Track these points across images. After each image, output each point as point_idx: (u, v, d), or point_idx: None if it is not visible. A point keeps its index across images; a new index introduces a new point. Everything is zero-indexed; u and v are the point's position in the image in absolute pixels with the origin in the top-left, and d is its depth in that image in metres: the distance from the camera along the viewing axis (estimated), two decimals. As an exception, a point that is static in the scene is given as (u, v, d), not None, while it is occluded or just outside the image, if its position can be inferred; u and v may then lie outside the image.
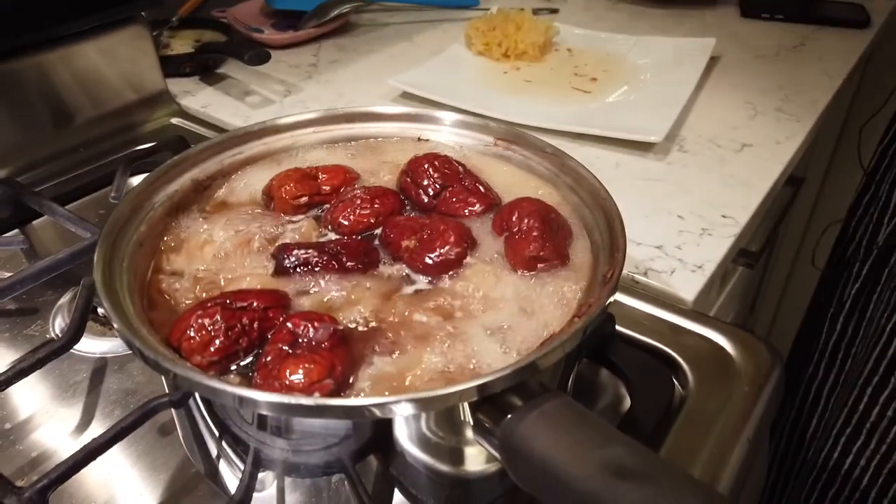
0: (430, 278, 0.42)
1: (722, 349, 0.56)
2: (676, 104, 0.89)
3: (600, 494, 0.28)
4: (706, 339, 0.57)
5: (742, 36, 1.16)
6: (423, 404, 0.32)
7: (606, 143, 0.85)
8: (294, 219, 0.49)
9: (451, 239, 0.43)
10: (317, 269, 0.42)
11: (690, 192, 0.76)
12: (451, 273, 0.42)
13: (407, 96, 0.96)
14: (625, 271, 0.65)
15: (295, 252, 0.43)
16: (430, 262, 0.42)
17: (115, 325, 0.34)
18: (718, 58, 1.07)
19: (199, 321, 0.37)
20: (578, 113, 0.91)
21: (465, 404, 0.34)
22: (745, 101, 0.96)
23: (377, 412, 0.32)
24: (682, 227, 0.70)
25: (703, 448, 0.49)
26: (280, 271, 0.43)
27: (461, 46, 1.09)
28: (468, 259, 0.43)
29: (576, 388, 0.56)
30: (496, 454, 0.34)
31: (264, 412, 0.34)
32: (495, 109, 0.88)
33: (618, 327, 0.58)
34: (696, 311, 0.60)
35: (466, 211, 0.47)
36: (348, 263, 0.43)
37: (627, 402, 0.55)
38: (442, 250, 0.42)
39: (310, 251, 0.43)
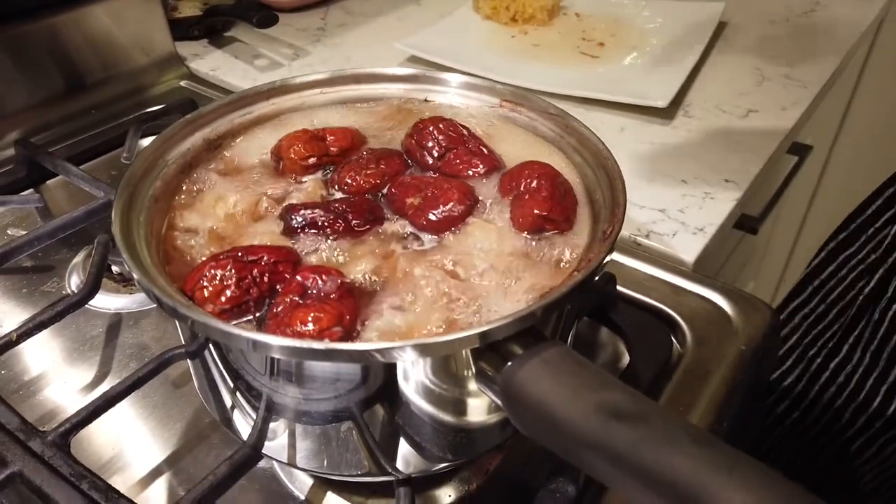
0: (434, 235, 0.44)
1: (720, 308, 0.58)
2: (682, 70, 0.89)
3: (596, 434, 0.30)
4: (705, 300, 0.58)
5: (752, 1, 1.15)
6: (427, 350, 0.33)
7: (612, 107, 0.85)
8: (302, 179, 0.50)
9: (455, 196, 0.44)
10: (324, 228, 0.44)
11: (695, 157, 0.77)
12: (453, 230, 0.44)
13: (414, 60, 0.96)
14: (627, 233, 0.66)
15: (302, 212, 0.44)
16: (433, 218, 0.44)
17: (135, 275, 0.36)
18: (727, 23, 1.07)
19: (212, 272, 0.38)
20: (585, 77, 0.92)
21: (468, 354, 0.36)
22: (752, 66, 0.96)
23: (382, 357, 0.33)
24: (686, 192, 0.71)
25: (698, 402, 0.51)
26: (288, 231, 0.44)
27: (469, 10, 1.09)
28: (472, 218, 0.44)
29: (577, 346, 0.57)
30: (497, 400, 0.35)
31: (276, 356, 0.36)
32: (502, 73, 0.89)
33: (619, 288, 0.59)
34: (695, 273, 0.61)
35: (470, 172, 0.48)
36: (354, 222, 0.44)
37: (626, 360, 0.56)
38: (445, 207, 0.44)
39: (316, 211, 0.44)
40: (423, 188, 0.45)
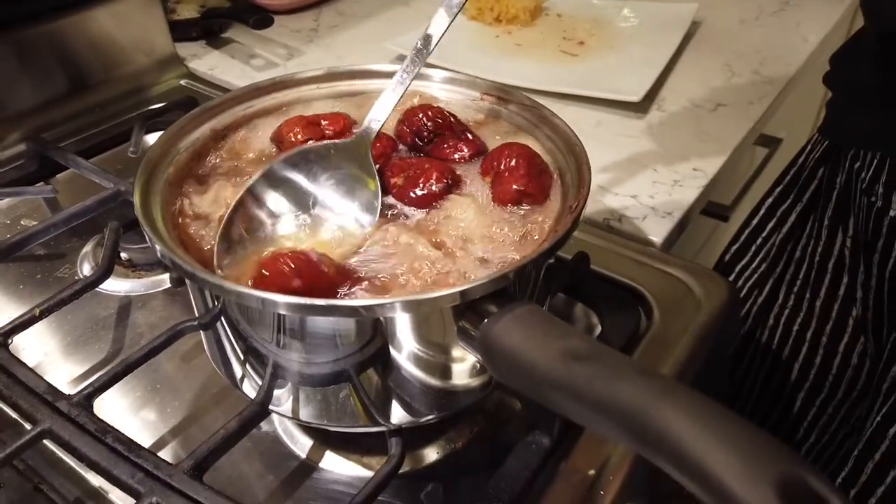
0: (419, 210, 0.49)
1: (684, 283, 0.63)
2: (656, 66, 0.94)
3: (559, 374, 0.35)
4: (670, 276, 0.64)
5: (725, 1, 1.21)
6: (414, 306, 0.38)
7: (589, 102, 0.90)
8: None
9: (434, 175, 0.49)
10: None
11: (666, 148, 0.82)
12: (435, 205, 0.49)
13: (402, 59, 1.01)
14: (601, 217, 0.71)
15: None
16: (414, 195, 0.49)
17: (157, 246, 0.40)
18: (701, 22, 1.13)
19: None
20: (565, 74, 0.97)
21: (450, 313, 0.41)
22: (723, 63, 1.01)
23: (372, 313, 0.38)
24: (656, 179, 0.77)
25: (663, 368, 0.56)
26: None
27: (455, 11, 1.14)
28: (454, 195, 0.49)
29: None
30: (476, 353, 0.40)
31: (281, 311, 0.40)
32: (487, 72, 0.93)
33: (592, 266, 0.64)
34: (662, 252, 0.67)
35: (456, 156, 0.53)
36: None
37: (599, 331, 0.61)
38: (425, 185, 0.49)
39: None
40: (406, 168, 0.51)
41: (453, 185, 0.50)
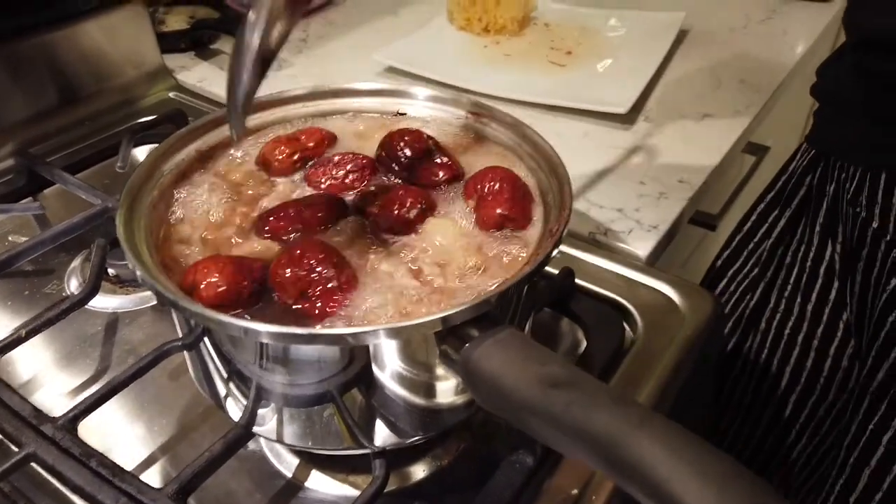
0: (399, 236, 0.49)
1: (669, 298, 0.63)
2: (643, 77, 0.95)
3: (537, 401, 0.35)
4: (655, 290, 0.64)
5: (714, 8, 1.21)
6: (397, 333, 0.39)
7: (577, 113, 0.91)
8: (278, 180, 0.55)
9: (408, 202, 0.49)
10: (291, 233, 0.49)
11: (652, 159, 0.83)
12: (417, 229, 0.49)
13: (391, 70, 1.01)
14: (587, 231, 0.72)
15: (270, 222, 0.50)
16: (388, 222, 0.49)
17: (138, 272, 0.41)
18: (688, 31, 1.13)
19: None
20: (552, 86, 0.97)
21: (433, 338, 0.41)
22: (710, 72, 1.02)
23: (356, 340, 0.38)
24: (642, 192, 0.77)
25: (647, 381, 0.57)
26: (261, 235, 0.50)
27: (443, 21, 1.15)
28: (435, 219, 0.50)
29: (540, 334, 0.63)
30: (458, 377, 0.41)
31: (264, 341, 0.41)
32: (475, 83, 0.94)
33: (578, 281, 0.65)
34: (647, 266, 0.67)
35: (433, 180, 0.53)
36: (319, 214, 0.50)
37: (584, 345, 0.62)
38: (398, 212, 0.49)
39: (281, 221, 0.50)
40: (380, 195, 0.51)
41: (428, 210, 0.50)
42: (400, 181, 0.54)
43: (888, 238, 0.67)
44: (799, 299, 0.79)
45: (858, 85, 0.68)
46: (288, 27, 0.42)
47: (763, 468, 0.87)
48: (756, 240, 0.84)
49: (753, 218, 0.85)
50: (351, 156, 0.55)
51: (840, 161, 0.72)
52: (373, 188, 0.52)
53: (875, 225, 0.68)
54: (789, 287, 0.79)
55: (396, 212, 0.49)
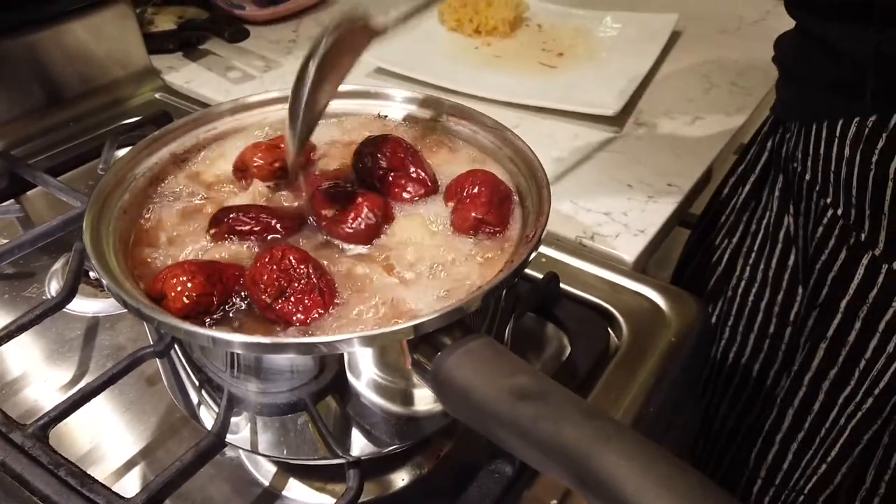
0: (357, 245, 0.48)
1: (654, 303, 0.62)
2: (634, 79, 0.94)
3: (505, 413, 0.34)
4: (641, 296, 0.63)
5: (707, 10, 1.20)
6: (369, 341, 0.38)
7: (566, 115, 0.90)
8: (267, 184, 0.54)
9: (363, 212, 0.48)
10: (249, 236, 0.48)
11: (642, 163, 0.82)
12: (385, 231, 0.48)
13: (381, 71, 1.00)
14: (573, 234, 0.71)
15: (228, 221, 0.49)
16: (344, 231, 0.48)
17: (104, 280, 0.40)
18: (681, 32, 1.12)
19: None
20: (543, 87, 0.96)
21: (406, 347, 0.40)
22: (702, 74, 1.01)
23: (328, 349, 0.37)
24: (630, 195, 0.76)
25: (629, 390, 0.56)
26: (219, 238, 0.49)
27: (434, 22, 1.14)
28: (405, 222, 0.49)
29: (523, 340, 0.62)
30: (429, 386, 0.40)
31: (235, 350, 0.40)
32: (464, 84, 0.93)
33: (563, 286, 0.64)
34: (633, 271, 0.66)
35: (405, 195, 0.52)
36: (277, 226, 0.48)
37: (569, 351, 0.61)
38: (355, 222, 0.48)
39: (242, 224, 0.48)
40: (338, 200, 0.49)
41: (384, 220, 0.49)
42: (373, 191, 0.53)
43: (818, 188, 0.68)
44: (762, 265, 0.79)
45: (795, 45, 0.71)
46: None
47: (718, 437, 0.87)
48: (727, 211, 0.85)
49: (726, 190, 0.85)
50: (332, 172, 0.54)
51: (786, 121, 0.74)
52: (331, 191, 0.50)
53: (808, 177, 0.69)
54: (753, 254, 0.80)
55: (352, 222, 0.48)
